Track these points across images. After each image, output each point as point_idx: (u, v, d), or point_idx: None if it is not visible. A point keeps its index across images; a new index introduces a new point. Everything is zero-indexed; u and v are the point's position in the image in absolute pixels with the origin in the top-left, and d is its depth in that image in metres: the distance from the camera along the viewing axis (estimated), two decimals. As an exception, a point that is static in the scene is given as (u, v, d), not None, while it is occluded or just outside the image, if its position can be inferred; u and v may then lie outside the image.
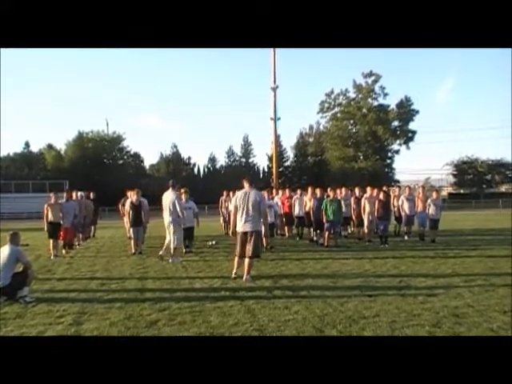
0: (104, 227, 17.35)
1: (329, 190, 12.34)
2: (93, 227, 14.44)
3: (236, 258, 7.12)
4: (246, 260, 6.89)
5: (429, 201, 11.82)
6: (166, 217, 9.17)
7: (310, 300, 5.50)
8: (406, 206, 12.28)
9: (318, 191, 11.97)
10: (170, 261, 8.91)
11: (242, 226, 6.90)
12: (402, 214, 12.47)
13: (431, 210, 11.63)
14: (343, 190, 13.24)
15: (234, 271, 7.09)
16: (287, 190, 14.10)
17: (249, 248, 6.82)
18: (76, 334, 4.35)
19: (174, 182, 9.50)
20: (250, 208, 6.85)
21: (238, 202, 6.98)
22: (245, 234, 6.87)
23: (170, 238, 9.19)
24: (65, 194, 11.36)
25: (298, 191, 13.19)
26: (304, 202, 12.28)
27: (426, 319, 4.61)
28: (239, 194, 7.10)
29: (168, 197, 9.19)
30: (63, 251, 10.55)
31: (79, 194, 12.48)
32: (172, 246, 9.06)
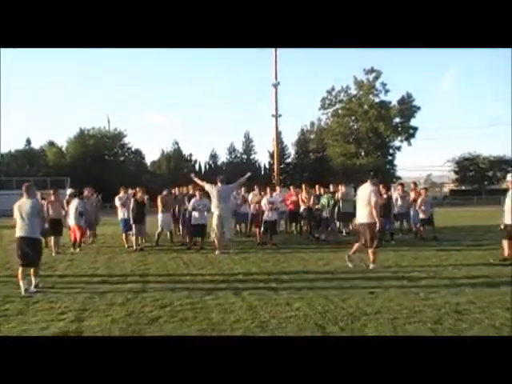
0: (105, 224, 17.32)
1: (331, 186, 12.98)
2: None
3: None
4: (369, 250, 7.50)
5: (419, 198, 11.83)
6: (216, 210, 9.62)
7: (311, 296, 5.52)
8: (399, 203, 12.21)
9: (317, 188, 12.64)
10: (217, 252, 9.38)
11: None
12: (396, 211, 12.37)
13: (421, 207, 11.61)
14: (343, 186, 13.19)
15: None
16: (291, 188, 14.10)
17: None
18: (78, 330, 4.38)
19: (224, 177, 9.96)
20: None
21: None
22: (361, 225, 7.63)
23: (216, 232, 9.69)
24: (86, 192, 11.64)
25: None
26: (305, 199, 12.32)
27: (428, 316, 4.61)
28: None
29: (220, 190, 9.63)
30: (76, 249, 10.51)
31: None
32: (227, 239, 9.71)
